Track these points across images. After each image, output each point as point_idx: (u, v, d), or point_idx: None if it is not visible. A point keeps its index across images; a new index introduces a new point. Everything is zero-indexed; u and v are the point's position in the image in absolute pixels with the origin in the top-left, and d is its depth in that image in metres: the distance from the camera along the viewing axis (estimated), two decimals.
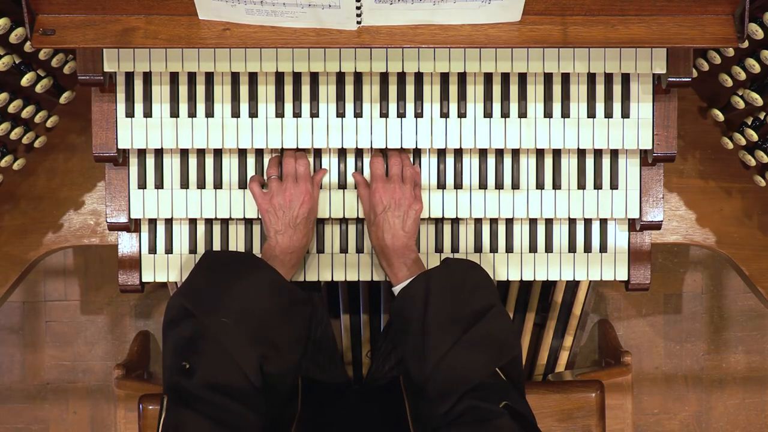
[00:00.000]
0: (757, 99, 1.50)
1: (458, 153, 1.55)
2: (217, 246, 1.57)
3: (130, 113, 1.50)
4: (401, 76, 1.51)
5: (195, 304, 1.29)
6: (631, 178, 1.55)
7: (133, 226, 1.55)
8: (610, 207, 1.55)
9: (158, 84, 1.51)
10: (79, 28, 1.32)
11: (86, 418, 2.52)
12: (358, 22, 1.32)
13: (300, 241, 1.46)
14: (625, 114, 1.52)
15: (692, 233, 1.65)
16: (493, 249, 1.57)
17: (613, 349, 2.24)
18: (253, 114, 1.51)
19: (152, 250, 1.57)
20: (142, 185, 1.54)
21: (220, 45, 1.34)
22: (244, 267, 1.37)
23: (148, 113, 1.51)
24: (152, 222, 1.57)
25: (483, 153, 1.55)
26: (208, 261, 1.40)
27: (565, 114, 1.52)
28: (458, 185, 1.55)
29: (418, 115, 1.51)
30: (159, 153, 1.54)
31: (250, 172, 1.54)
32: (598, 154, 1.56)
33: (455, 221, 1.57)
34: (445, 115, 1.51)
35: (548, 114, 1.52)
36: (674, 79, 1.47)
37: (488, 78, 1.52)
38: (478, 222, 1.57)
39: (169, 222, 1.57)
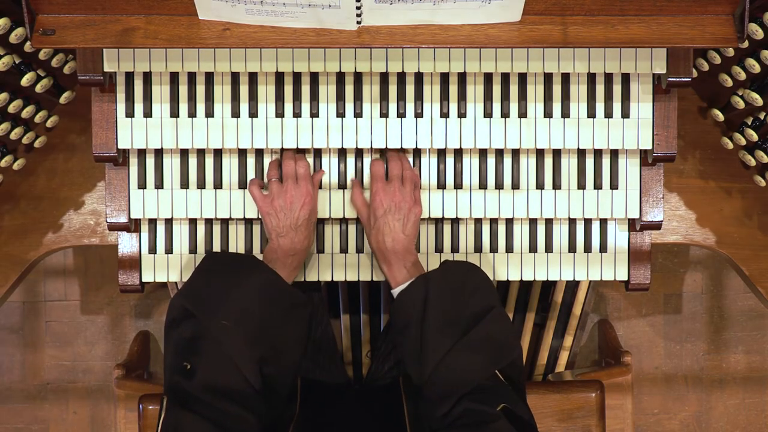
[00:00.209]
0: (757, 99, 1.50)
1: (458, 153, 1.55)
2: (217, 246, 1.57)
3: (130, 113, 1.50)
4: (401, 76, 1.51)
5: (195, 305, 1.29)
6: (631, 178, 1.55)
7: (133, 226, 1.55)
8: (610, 207, 1.55)
9: (158, 84, 1.51)
10: (79, 28, 1.32)
11: (86, 418, 2.52)
12: (358, 22, 1.32)
13: (301, 243, 1.46)
14: (625, 114, 1.52)
15: (692, 233, 1.65)
16: (493, 249, 1.57)
17: (613, 349, 2.24)
18: (253, 114, 1.51)
19: (152, 250, 1.57)
20: (142, 185, 1.54)
21: (220, 45, 1.34)
22: (244, 269, 1.37)
23: (148, 113, 1.51)
24: (152, 222, 1.57)
25: (483, 153, 1.55)
26: (209, 262, 1.40)
27: (565, 114, 1.52)
28: (458, 185, 1.55)
29: (418, 115, 1.51)
30: (159, 153, 1.54)
31: (250, 172, 1.54)
32: (598, 154, 1.56)
33: (455, 221, 1.57)
34: (445, 115, 1.51)
35: (548, 114, 1.52)
36: (674, 79, 1.47)
37: (488, 78, 1.52)
38: (478, 222, 1.57)
39: (169, 222, 1.57)
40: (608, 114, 1.52)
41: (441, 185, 1.55)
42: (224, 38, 1.34)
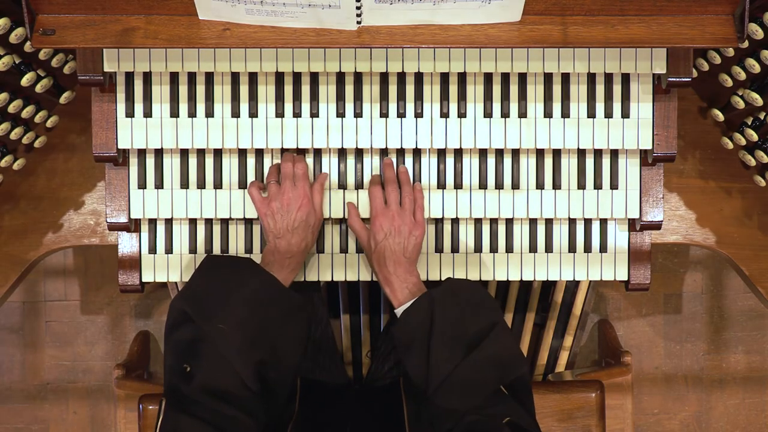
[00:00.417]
0: (757, 99, 1.50)
1: (458, 153, 1.55)
2: (217, 246, 1.57)
3: (130, 113, 1.50)
4: (401, 76, 1.51)
5: (194, 308, 1.29)
6: (631, 178, 1.55)
7: (133, 226, 1.55)
8: (610, 207, 1.55)
9: (158, 84, 1.51)
10: (79, 28, 1.32)
11: (86, 418, 2.52)
12: (358, 22, 1.32)
13: (298, 245, 1.45)
14: (625, 114, 1.52)
15: (692, 233, 1.65)
16: (493, 249, 1.57)
17: (613, 349, 2.23)
18: (253, 114, 1.51)
19: (152, 250, 1.57)
20: (142, 185, 1.54)
21: (220, 45, 1.34)
22: (243, 273, 1.37)
23: (148, 113, 1.51)
24: (152, 222, 1.57)
25: (483, 153, 1.55)
26: (208, 266, 1.40)
27: (565, 114, 1.52)
28: (458, 185, 1.55)
29: (418, 115, 1.51)
30: (159, 153, 1.54)
31: (250, 172, 1.54)
32: (598, 154, 1.56)
33: (455, 221, 1.57)
34: (445, 115, 1.51)
35: (548, 114, 1.52)
36: (674, 79, 1.47)
37: (488, 78, 1.52)
38: (478, 222, 1.57)
39: (169, 222, 1.57)
40: (608, 114, 1.52)
41: (441, 185, 1.55)
42: (224, 38, 1.34)
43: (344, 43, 1.34)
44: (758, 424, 2.55)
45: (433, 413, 1.29)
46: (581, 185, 1.55)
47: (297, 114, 1.51)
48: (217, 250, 1.57)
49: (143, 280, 1.57)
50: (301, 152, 1.54)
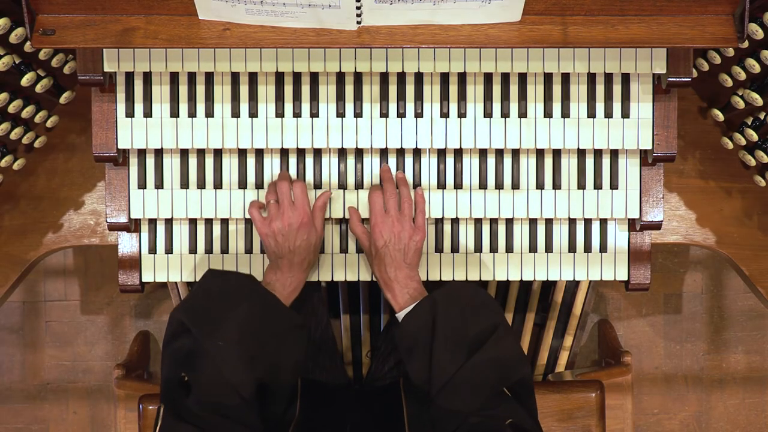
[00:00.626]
0: (757, 99, 1.50)
1: (458, 153, 1.55)
2: (217, 246, 1.57)
3: (130, 113, 1.50)
4: (401, 76, 1.51)
5: (194, 324, 1.30)
6: (631, 178, 1.55)
7: (133, 226, 1.55)
8: (610, 207, 1.55)
9: (158, 84, 1.51)
10: (79, 28, 1.32)
11: (86, 418, 2.52)
12: (358, 22, 1.32)
13: (300, 265, 1.46)
14: (625, 114, 1.52)
15: (692, 233, 1.65)
16: (493, 249, 1.57)
17: (613, 349, 2.23)
18: (253, 114, 1.51)
19: (152, 250, 1.57)
20: (142, 185, 1.54)
21: (220, 45, 1.34)
22: (243, 291, 1.37)
23: (148, 113, 1.51)
24: (152, 222, 1.57)
25: (483, 153, 1.55)
26: (209, 282, 1.40)
27: (565, 114, 1.52)
28: (458, 185, 1.55)
29: (418, 115, 1.51)
30: (159, 153, 1.54)
31: (250, 172, 1.54)
32: (598, 154, 1.56)
33: (455, 221, 1.57)
34: (445, 115, 1.51)
35: (548, 114, 1.52)
36: (674, 79, 1.47)
37: (488, 78, 1.52)
38: (478, 222, 1.57)
39: (169, 222, 1.57)
40: (608, 114, 1.52)
41: (441, 185, 1.55)
42: (224, 38, 1.34)
43: (344, 43, 1.34)
44: (758, 424, 2.55)
45: (435, 415, 1.29)
46: (581, 185, 1.55)
47: (297, 114, 1.51)
48: (217, 250, 1.57)
49: (143, 280, 1.57)
50: (301, 152, 1.55)
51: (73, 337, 2.51)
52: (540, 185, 1.55)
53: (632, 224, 1.58)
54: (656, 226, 1.56)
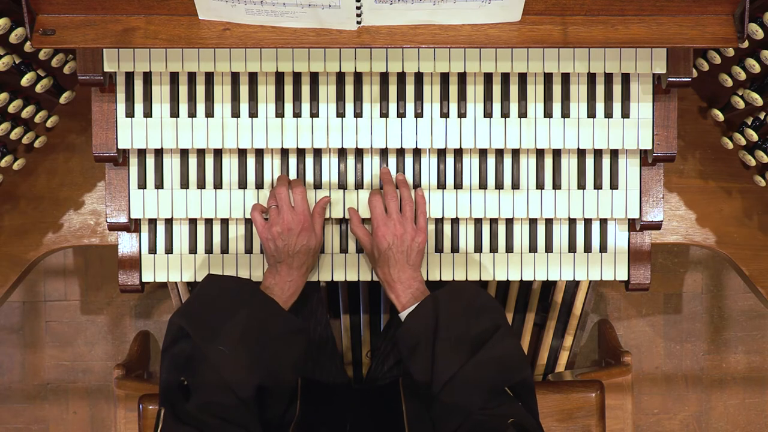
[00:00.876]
0: (757, 99, 1.50)
1: (458, 153, 1.55)
2: (217, 246, 1.57)
3: (130, 113, 1.50)
4: (401, 76, 1.51)
5: (194, 328, 1.30)
6: (631, 178, 1.55)
7: (133, 226, 1.55)
8: (610, 207, 1.55)
9: (158, 84, 1.51)
10: (79, 28, 1.32)
11: (86, 418, 2.52)
12: (358, 22, 1.32)
13: (299, 269, 1.47)
14: (625, 114, 1.52)
15: (692, 233, 1.65)
16: (493, 249, 1.57)
17: (613, 349, 2.23)
18: (253, 114, 1.51)
19: (152, 250, 1.57)
20: (142, 185, 1.54)
21: (220, 45, 1.34)
22: (242, 295, 1.38)
23: (148, 113, 1.51)
24: (152, 222, 1.57)
25: (483, 153, 1.55)
26: (208, 287, 1.40)
27: (565, 114, 1.52)
28: (458, 185, 1.55)
29: (418, 115, 1.51)
30: (159, 153, 1.54)
31: (250, 172, 1.54)
32: (598, 154, 1.56)
33: (455, 221, 1.57)
34: (445, 115, 1.51)
35: (548, 114, 1.52)
36: (674, 79, 1.47)
37: (488, 78, 1.52)
38: (478, 222, 1.57)
39: (169, 222, 1.57)
40: (608, 114, 1.52)
41: (441, 185, 1.55)
42: (224, 38, 1.34)
43: (344, 43, 1.34)
44: (758, 424, 2.55)
45: (437, 413, 1.30)
46: (581, 185, 1.55)
47: (297, 114, 1.51)
48: (217, 250, 1.57)
49: (143, 280, 1.57)
50: (301, 152, 1.55)
51: (73, 337, 2.51)
52: (540, 185, 1.55)
53: (632, 224, 1.58)
54: (656, 226, 1.56)
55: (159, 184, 1.54)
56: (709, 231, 1.65)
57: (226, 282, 1.42)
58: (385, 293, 1.49)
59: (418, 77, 1.51)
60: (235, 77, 1.51)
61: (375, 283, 2.07)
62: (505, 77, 1.52)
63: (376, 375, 1.71)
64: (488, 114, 1.51)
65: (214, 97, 1.51)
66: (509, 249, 1.57)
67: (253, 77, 1.51)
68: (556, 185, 1.55)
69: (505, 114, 1.52)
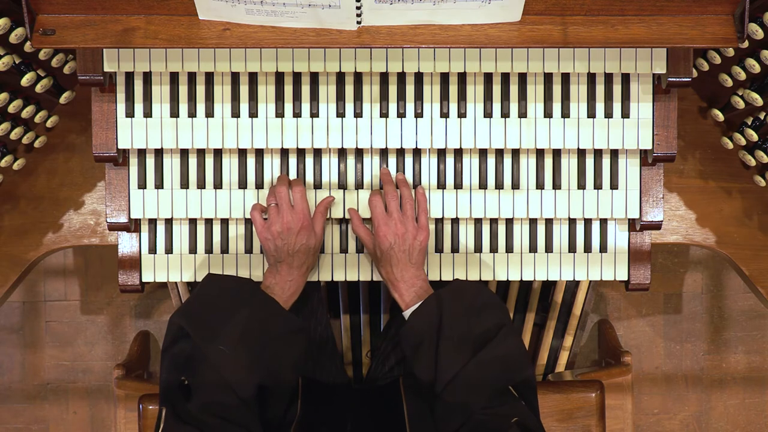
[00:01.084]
0: (757, 99, 1.50)
1: (458, 153, 1.55)
2: (217, 246, 1.57)
3: (130, 113, 1.50)
4: (401, 76, 1.51)
5: (194, 327, 1.30)
6: (631, 178, 1.55)
7: (133, 226, 1.55)
8: (610, 207, 1.55)
9: (158, 84, 1.51)
10: (79, 28, 1.32)
11: (86, 418, 2.52)
12: (358, 22, 1.32)
13: (299, 269, 1.47)
14: (625, 114, 1.52)
15: (692, 233, 1.65)
16: (493, 249, 1.57)
17: (613, 349, 2.23)
18: (253, 114, 1.51)
19: (152, 250, 1.57)
20: (142, 185, 1.54)
21: (220, 45, 1.34)
22: (242, 295, 1.38)
23: (148, 113, 1.51)
24: (152, 222, 1.57)
25: (483, 153, 1.55)
26: (208, 286, 1.40)
27: (565, 114, 1.52)
28: (458, 185, 1.55)
29: (418, 115, 1.51)
30: (159, 153, 1.54)
31: (250, 172, 1.54)
32: (598, 154, 1.56)
33: (455, 221, 1.57)
34: (445, 115, 1.51)
35: (548, 114, 1.52)
36: (674, 79, 1.47)
37: (488, 78, 1.52)
38: (478, 222, 1.57)
39: (169, 222, 1.57)
40: (608, 114, 1.52)
41: (441, 185, 1.55)
42: (224, 38, 1.34)
43: (344, 43, 1.34)
44: (758, 424, 2.55)
45: (439, 412, 1.30)
46: (581, 185, 1.55)
47: (297, 114, 1.51)
48: (217, 250, 1.57)
49: (143, 280, 1.57)
50: (301, 152, 1.55)
51: (73, 337, 2.51)
52: (540, 185, 1.55)
53: (632, 224, 1.58)
54: (656, 226, 1.56)
55: (159, 184, 1.54)
56: (709, 231, 1.65)
57: (227, 281, 1.42)
58: (388, 292, 1.49)
59: (418, 77, 1.51)
60: (235, 77, 1.51)
61: (375, 283, 2.07)
62: (505, 77, 1.52)
63: (377, 375, 1.71)
64: (488, 114, 1.51)
65: (214, 97, 1.51)
66: (509, 249, 1.57)
67: (253, 77, 1.51)
68: (556, 185, 1.55)
69: (505, 114, 1.52)
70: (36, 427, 2.52)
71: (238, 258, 1.56)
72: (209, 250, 1.57)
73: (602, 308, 2.53)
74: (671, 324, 2.54)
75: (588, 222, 1.58)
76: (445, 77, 1.52)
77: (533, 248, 1.57)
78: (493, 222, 1.57)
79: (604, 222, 1.58)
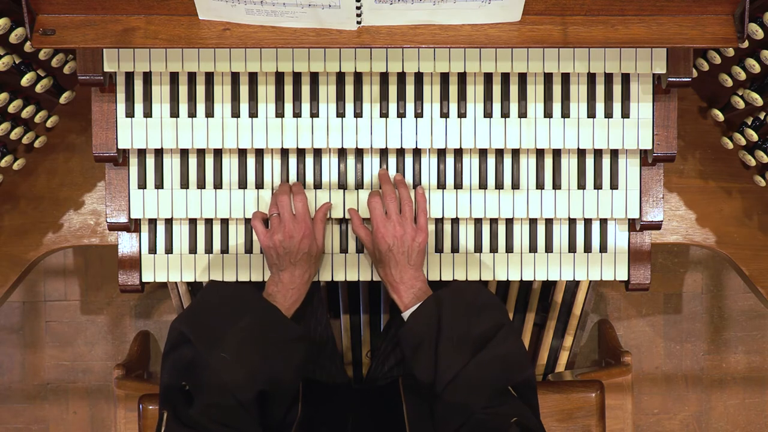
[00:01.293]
0: (757, 99, 1.50)
1: (458, 153, 1.55)
2: (217, 246, 1.57)
3: (130, 113, 1.50)
4: (401, 76, 1.51)
5: (195, 334, 1.30)
6: (631, 178, 1.55)
7: (133, 226, 1.55)
8: (610, 207, 1.55)
9: (158, 84, 1.51)
10: (79, 28, 1.32)
11: (86, 418, 2.52)
12: (358, 22, 1.32)
13: (301, 277, 1.47)
14: (625, 114, 1.52)
15: (692, 233, 1.65)
16: (493, 249, 1.57)
17: (613, 349, 2.23)
18: (253, 114, 1.51)
19: (152, 250, 1.57)
20: (142, 185, 1.54)
21: (220, 45, 1.34)
22: (245, 302, 1.38)
23: (148, 113, 1.51)
24: (152, 222, 1.57)
25: (483, 153, 1.55)
26: (210, 293, 1.41)
27: (565, 114, 1.52)
28: (458, 185, 1.55)
29: (418, 115, 1.51)
30: (159, 153, 1.54)
31: (250, 172, 1.54)
32: (598, 154, 1.56)
33: (455, 221, 1.57)
34: (445, 115, 1.51)
35: (548, 114, 1.52)
36: (674, 79, 1.47)
37: (488, 78, 1.52)
38: (478, 222, 1.57)
39: (169, 222, 1.57)
40: (608, 114, 1.52)
41: (441, 185, 1.55)
42: (224, 38, 1.34)
43: (344, 43, 1.34)
44: (758, 424, 2.55)
45: (439, 412, 1.30)
46: (581, 185, 1.55)
47: (297, 114, 1.51)
48: (217, 250, 1.57)
49: (143, 280, 1.57)
50: (301, 152, 1.55)
51: (73, 337, 2.51)
52: (540, 185, 1.55)
53: (632, 224, 1.58)
54: (656, 226, 1.56)
55: (159, 184, 1.54)
56: (709, 231, 1.65)
57: (228, 288, 1.43)
58: (388, 293, 1.49)
59: (418, 77, 1.51)
60: (235, 77, 1.51)
61: (375, 283, 2.07)
62: (505, 77, 1.52)
63: (377, 375, 1.71)
64: (488, 114, 1.51)
65: (214, 97, 1.51)
66: (509, 249, 1.57)
67: (253, 77, 1.51)
68: (556, 185, 1.55)
69: (505, 114, 1.52)
70: (36, 427, 2.52)
71: (238, 258, 1.56)
72: (209, 250, 1.57)
73: (602, 308, 2.53)
74: (671, 324, 2.54)
75: (588, 222, 1.58)
76: (445, 77, 1.52)
77: (533, 248, 1.57)
78: (493, 222, 1.57)
79: (604, 222, 1.58)
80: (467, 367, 1.29)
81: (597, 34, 1.34)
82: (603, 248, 1.58)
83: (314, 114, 1.51)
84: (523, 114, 1.52)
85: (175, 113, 1.51)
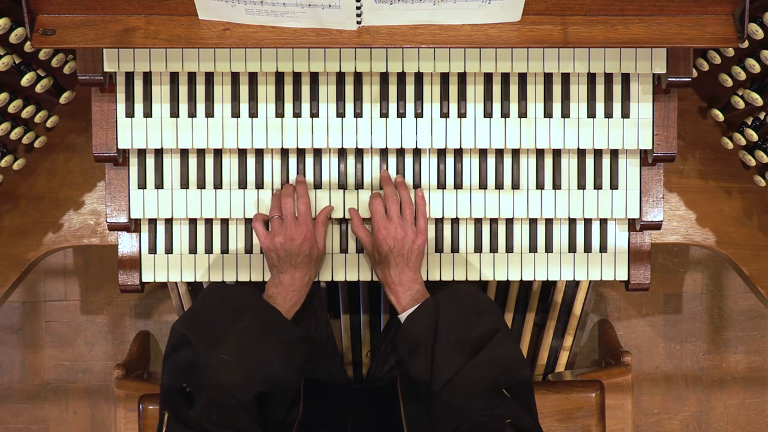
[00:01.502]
0: (757, 99, 1.50)
1: (458, 153, 1.55)
2: (217, 246, 1.57)
3: (130, 113, 1.50)
4: (401, 76, 1.51)
5: (196, 335, 1.30)
6: (631, 178, 1.55)
7: (133, 226, 1.55)
8: (610, 207, 1.55)
9: (158, 84, 1.51)
10: (79, 28, 1.32)
11: (86, 418, 2.52)
12: (358, 22, 1.32)
13: (302, 279, 1.47)
14: (625, 114, 1.52)
15: (692, 233, 1.65)
16: (493, 249, 1.57)
17: (613, 349, 2.23)
18: (253, 114, 1.51)
19: (152, 250, 1.57)
20: (142, 185, 1.54)
21: (220, 45, 1.34)
22: (246, 304, 1.38)
23: (148, 113, 1.51)
24: (152, 222, 1.57)
25: (483, 153, 1.55)
26: (211, 295, 1.41)
27: (565, 114, 1.52)
28: (458, 185, 1.55)
29: (418, 115, 1.51)
30: (159, 153, 1.54)
31: (250, 172, 1.54)
32: (598, 154, 1.56)
33: (455, 221, 1.57)
34: (445, 115, 1.51)
35: (548, 114, 1.52)
36: (674, 79, 1.47)
37: (488, 78, 1.52)
38: (478, 222, 1.57)
39: (169, 222, 1.57)
40: (608, 114, 1.52)
41: (441, 185, 1.55)
42: (224, 38, 1.34)
43: (344, 43, 1.34)
44: (758, 424, 2.55)
45: (435, 414, 1.30)
46: (581, 185, 1.55)
47: (297, 114, 1.51)
48: (217, 250, 1.57)
49: (143, 280, 1.57)
50: (301, 152, 1.55)
51: (73, 337, 2.51)
52: (540, 185, 1.55)
53: (632, 224, 1.57)
54: (656, 226, 1.56)
55: (159, 184, 1.54)
56: (709, 231, 1.65)
57: (229, 290, 1.43)
58: (386, 294, 1.49)
59: (418, 77, 1.51)
60: (235, 77, 1.51)
61: (375, 283, 2.07)
62: (505, 77, 1.52)
63: (376, 375, 1.71)
64: (488, 114, 1.51)
65: (214, 97, 1.51)
66: (509, 249, 1.57)
67: (253, 77, 1.51)
68: (556, 185, 1.55)
69: (505, 114, 1.52)
70: (36, 427, 2.52)
71: (238, 258, 1.56)
72: (209, 250, 1.57)
73: (602, 308, 2.53)
74: (671, 324, 2.54)
75: (588, 222, 1.58)
76: (445, 77, 1.52)
77: (533, 248, 1.57)
78: (493, 222, 1.57)
79: (604, 222, 1.58)
80: (464, 369, 1.29)
81: (597, 34, 1.34)
82: (603, 248, 1.58)
83: (314, 114, 1.51)
84: (523, 114, 1.52)
85: (175, 113, 1.51)
